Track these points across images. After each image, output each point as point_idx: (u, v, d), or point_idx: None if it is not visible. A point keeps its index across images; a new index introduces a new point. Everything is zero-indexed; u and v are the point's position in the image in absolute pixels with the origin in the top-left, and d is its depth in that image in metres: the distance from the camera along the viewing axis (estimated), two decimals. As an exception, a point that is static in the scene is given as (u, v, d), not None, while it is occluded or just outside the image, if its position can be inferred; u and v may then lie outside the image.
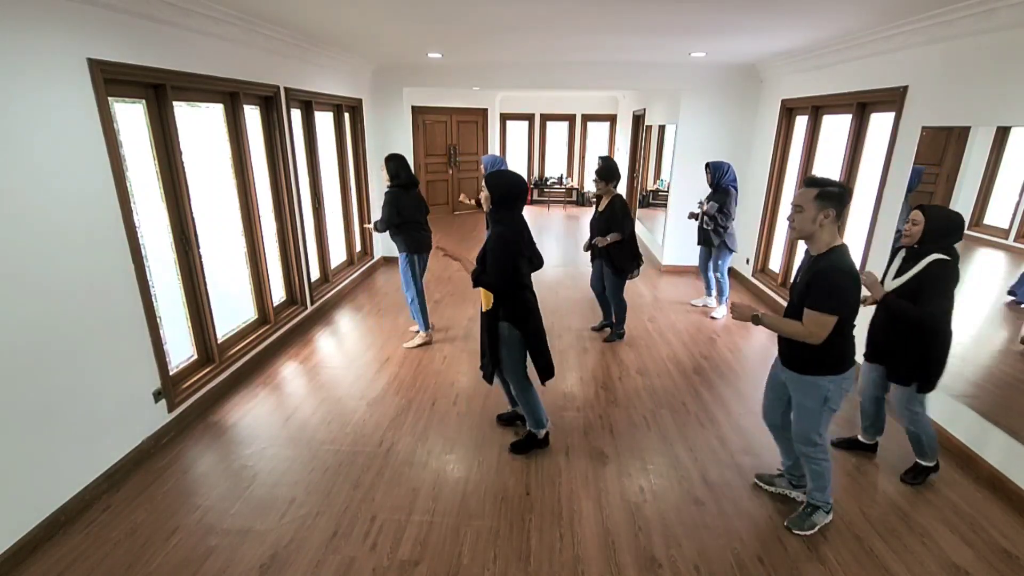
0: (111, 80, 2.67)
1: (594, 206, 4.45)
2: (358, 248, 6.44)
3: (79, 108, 2.49)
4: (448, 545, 2.39)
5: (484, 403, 3.57)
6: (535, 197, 11.88)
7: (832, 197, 2.04)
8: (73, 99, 2.45)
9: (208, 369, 3.55)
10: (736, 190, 4.92)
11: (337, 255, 5.91)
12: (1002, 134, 2.90)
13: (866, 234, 3.86)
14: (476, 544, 2.40)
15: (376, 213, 6.46)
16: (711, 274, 5.27)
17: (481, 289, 2.77)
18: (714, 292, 5.34)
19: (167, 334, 3.17)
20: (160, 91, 3.06)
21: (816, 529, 2.48)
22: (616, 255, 4.25)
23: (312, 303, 5.02)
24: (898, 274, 2.55)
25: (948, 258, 2.41)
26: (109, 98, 2.67)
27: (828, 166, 4.73)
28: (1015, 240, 2.86)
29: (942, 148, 3.30)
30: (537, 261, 2.85)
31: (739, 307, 2.29)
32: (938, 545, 2.42)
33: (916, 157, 3.44)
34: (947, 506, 2.66)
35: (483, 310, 2.85)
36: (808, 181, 2.11)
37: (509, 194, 2.66)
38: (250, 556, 2.32)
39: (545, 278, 6.29)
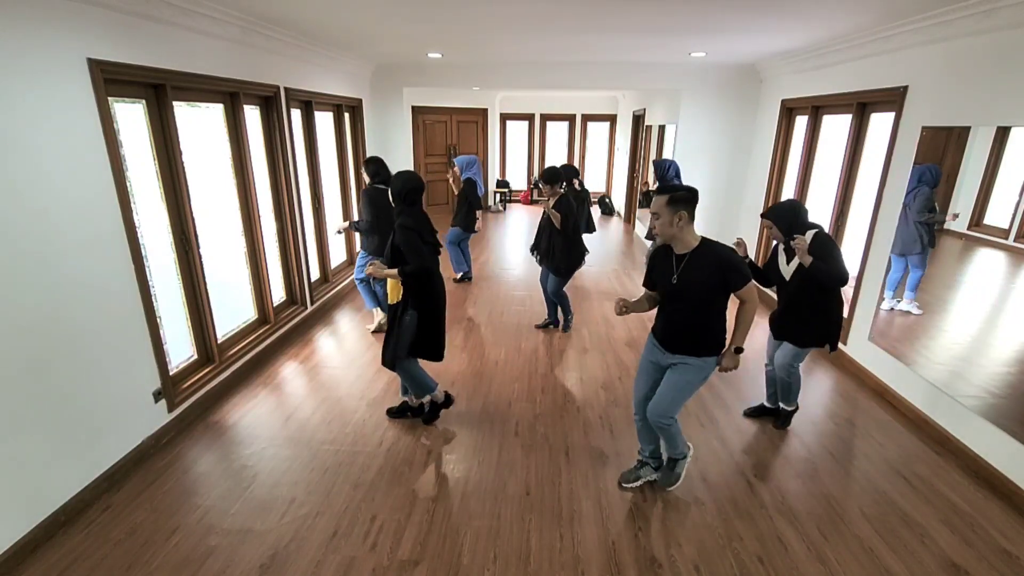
0: (111, 80, 2.67)
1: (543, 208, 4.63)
2: (358, 248, 6.43)
3: (79, 108, 2.48)
4: (448, 545, 2.39)
5: (484, 403, 3.57)
6: (534, 197, 11.89)
7: (681, 200, 2.25)
8: (73, 99, 2.45)
9: (208, 369, 3.55)
10: None
11: (337, 255, 5.91)
12: (1002, 134, 2.90)
13: (867, 233, 3.86)
14: (476, 544, 2.40)
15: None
16: None
17: (390, 283, 2.99)
18: None
19: (167, 334, 3.17)
20: (160, 91, 3.06)
21: (682, 477, 2.73)
22: (558, 258, 4.37)
23: (312, 303, 5.03)
24: (788, 260, 2.94)
25: (818, 228, 2.82)
26: (109, 98, 2.67)
27: (828, 166, 4.73)
28: (1015, 240, 2.86)
29: (942, 148, 3.30)
30: (436, 252, 3.06)
31: (730, 365, 2.45)
32: (938, 545, 2.42)
33: (916, 157, 3.44)
34: (947, 506, 2.66)
35: (389, 302, 3.06)
36: (659, 190, 2.31)
37: (403, 189, 2.90)
38: (250, 556, 2.32)
39: (545, 278, 6.26)
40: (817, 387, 3.87)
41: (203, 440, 3.16)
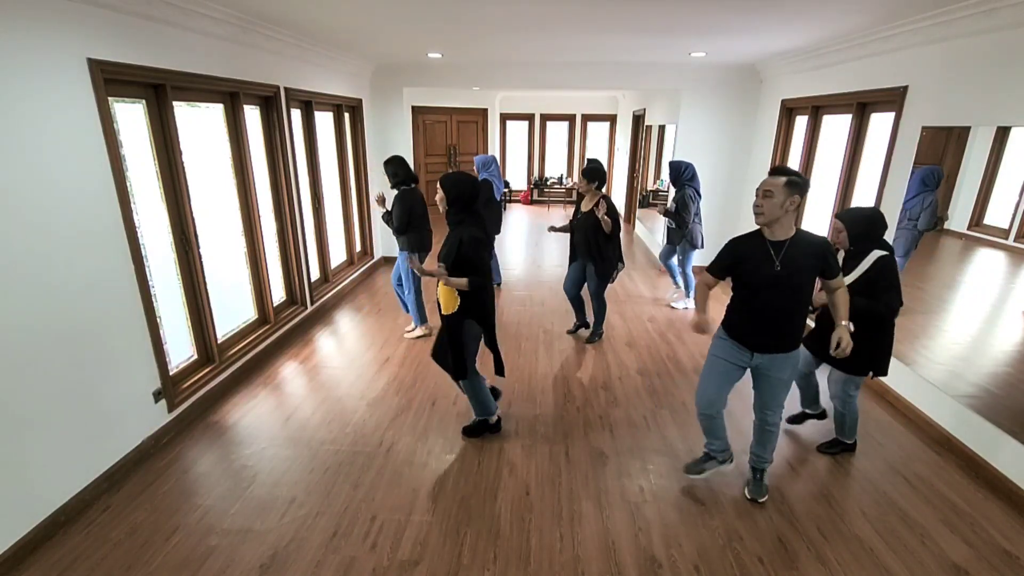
0: (111, 80, 2.67)
1: (574, 208, 4.46)
2: (358, 248, 6.44)
3: (79, 108, 2.49)
4: (448, 545, 2.39)
5: (484, 403, 3.57)
6: (535, 197, 11.89)
7: (798, 185, 2.22)
8: (73, 99, 2.45)
9: (208, 369, 3.55)
10: (694, 189, 4.98)
11: (337, 255, 5.91)
12: (1002, 134, 2.90)
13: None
14: (476, 544, 2.40)
15: (376, 215, 6.50)
16: (673, 262, 5.47)
17: (443, 291, 2.83)
18: (680, 284, 5.53)
19: (167, 334, 3.17)
20: (160, 91, 3.06)
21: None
22: (608, 255, 4.25)
23: (312, 303, 5.03)
24: (846, 272, 2.68)
25: (887, 252, 2.60)
26: (109, 98, 2.67)
27: (828, 166, 4.73)
28: (1015, 240, 2.86)
29: (942, 148, 3.30)
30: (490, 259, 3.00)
31: (845, 346, 2.37)
32: (938, 545, 2.42)
33: (916, 157, 3.44)
34: (947, 506, 2.66)
35: (443, 313, 2.87)
36: (776, 170, 2.27)
37: (462, 194, 2.77)
38: (250, 556, 2.32)
39: (545, 278, 6.29)
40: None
41: (203, 440, 3.16)
